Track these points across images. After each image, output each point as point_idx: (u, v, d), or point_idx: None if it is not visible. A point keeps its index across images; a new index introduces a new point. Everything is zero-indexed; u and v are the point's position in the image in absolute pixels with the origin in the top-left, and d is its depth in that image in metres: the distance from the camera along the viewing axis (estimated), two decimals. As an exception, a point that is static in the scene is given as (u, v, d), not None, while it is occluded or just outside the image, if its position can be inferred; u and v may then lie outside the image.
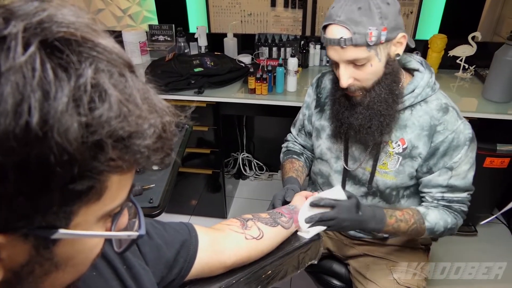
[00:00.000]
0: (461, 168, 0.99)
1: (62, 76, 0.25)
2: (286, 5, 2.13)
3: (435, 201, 1.03)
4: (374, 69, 0.91)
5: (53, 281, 0.34)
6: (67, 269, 0.34)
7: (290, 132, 1.31)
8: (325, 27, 0.90)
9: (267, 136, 2.56)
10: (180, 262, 0.62)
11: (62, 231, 0.30)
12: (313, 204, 0.89)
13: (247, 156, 2.58)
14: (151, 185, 1.17)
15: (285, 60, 1.93)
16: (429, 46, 1.98)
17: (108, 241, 0.50)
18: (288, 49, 2.08)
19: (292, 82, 1.81)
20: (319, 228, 0.89)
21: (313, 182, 1.29)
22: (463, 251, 1.98)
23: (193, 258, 0.64)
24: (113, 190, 0.32)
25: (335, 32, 0.87)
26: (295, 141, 1.29)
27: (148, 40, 2.21)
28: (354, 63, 0.90)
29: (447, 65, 2.05)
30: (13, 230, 0.27)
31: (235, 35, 2.15)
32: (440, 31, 2.07)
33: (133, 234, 0.37)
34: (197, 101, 1.82)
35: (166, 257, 0.60)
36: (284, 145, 1.31)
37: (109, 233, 0.35)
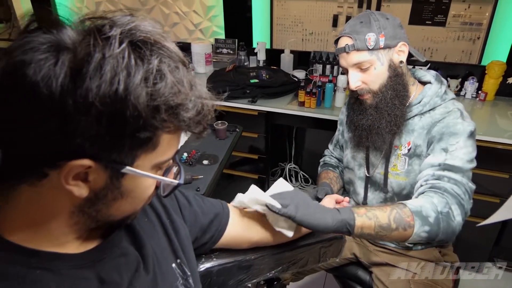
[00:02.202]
0: (458, 153, 0.96)
1: (139, 63, 0.40)
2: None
3: (423, 183, 0.96)
4: (377, 72, 1.03)
5: (118, 206, 0.49)
6: (128, 199, 0.48)
7: (328, 147, 1.43)
8: (336, 42, 1.07)
9: (315, 149, 2.64)
10: (212, 229, 0.76)
11: (128, 168, 0.44)
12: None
13: (294, 167, 2.68)
14: (200, 176, 1.33)
15: (336, 77, 2.02)
16: (486, 72, 1.96)
17: (158, 199, 0.66)
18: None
19: (340, 98, 1.90)
20: (272, 201, 0.78)
21: (347, 192, 1.37)
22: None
23: (223, 229, 0.77)
24: (164, 146, 0.46)
25: (341, 42, 1.04)
26: (331, 155, 1.40)
27: (213, 52, 2.44)
28: (359, 67, 1.03)
29: (506, 92, 2.01)
30: (99, 160, 0.42)
31: (292, 51, 2.30)
32: (510, 59, 2.02)
33: (175, 181, 0.51)
34: (250, 109, 1.98)
35: (201, 222, 0.74)
36: (321, 159, 1.43)
37: (159, 176, 0.49)
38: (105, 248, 0.53)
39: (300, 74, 2.19)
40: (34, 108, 0.38)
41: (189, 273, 0.64)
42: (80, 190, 0.43)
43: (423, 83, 1.13)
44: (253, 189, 0.81)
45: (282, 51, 2.31)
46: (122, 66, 0.39)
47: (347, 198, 1.13)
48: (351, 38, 1.01)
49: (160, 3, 2.59)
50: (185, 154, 1.47)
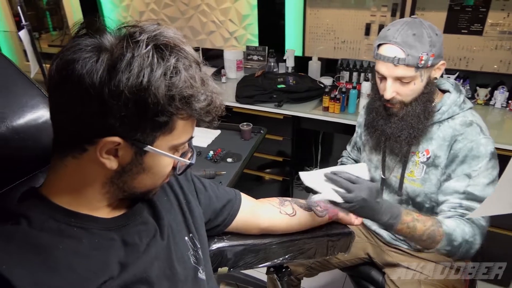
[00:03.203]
0: (480, 179, 1.02)
1: (160, 61, 0.51)
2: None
3: (452, 210, 1.05)
4: (416, 88, 1.05)
5: (140, 180, 0.59)
6: (149, 174, 0.58)
7: (346, 149, 1.48)
8: (379, 45, 1.06)
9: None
10: (224, 213, 0.85)
11: (149, 147, 0.54)
12: (334, 174, 0.95)
13: (320, 172, 2.72)
14: (223, 172, 1.43)
15: (360, 84, 2.07)
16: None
17: (177, 182, 0.76)
18: (370, 75, 2.21)
19: (363, 104, 1.94)
20: (333, 195, 0.92)
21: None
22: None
23: (235, 214, 0.86)
24: (179, 130, 0.55)
25: (390, 51, 1.02)
26: (349, 157, 1.45)
27: (244, 59, 2.55)
28: (400, 80, 1.04)
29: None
30: (127, 138, 0.52)
31: (320, 59, 2.37)
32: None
33: (187, 161, 0.61)
34: (276, 113, 2.07)
35: (214, 206, 0.83)
36: (339, 160, 1.48)
37: (175, 156, 0.58)
38: (130, 216, 0.63)
39: (327, 81, 2.25)
40: (79, 95, 0.49)
41: (199, 246, 0.73)
42: (111, 163, 0.54)
43: (442, 91, 1.16)
44: (364, 166, 0.97)
45: (310, 58, 2.39)
46: (147, 63, 0.49)
47: None
48: (403, 51, 0.99)
49: (198, 12, 2.74)
50: (211, 152, 1.57)
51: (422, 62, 1.00)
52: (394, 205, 1.01)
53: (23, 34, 2.16)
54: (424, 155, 1.13)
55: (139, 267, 0.59)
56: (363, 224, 1.40)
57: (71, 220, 0.56)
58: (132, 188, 0.60)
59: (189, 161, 0.62)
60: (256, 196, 0.97)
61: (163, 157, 0.57)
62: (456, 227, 1.00)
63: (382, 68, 1.05)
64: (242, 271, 1.73)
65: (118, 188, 0.59)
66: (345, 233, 1.04)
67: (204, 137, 1.73)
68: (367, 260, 1.39)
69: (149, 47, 0.50)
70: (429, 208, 1.17)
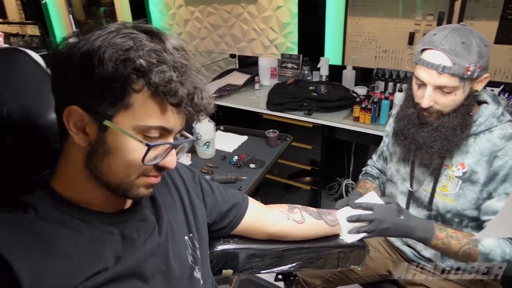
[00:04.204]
0: None
1: (124, 36, 0.53)
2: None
3: None
4: (456, 98, 1.00)
5: (108, 164, 0.56)
6: (115, 158, 0.55)
7: (372, 158, 1.44)
8: (423, 50, 1.00)
9: (375, 167, 2.60)
10: (230, 216, 0.86)
11: (107, 121, 0.53)
12: (353, 207, 1.00)
13: (352, 184, 2.66)
14: (244, 177, 1.45)
15: (393, 94, 2.01)
16: None
17: (183, 184, 0.78)
18: (404, 85, 2.14)
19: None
20: (361, 235, 0.99)
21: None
22: None
23: (241, 217, 0.87)
24: (139, 108, 0.53)
25: (436, 57, 0.96)
26: (374, 166, 1.40)
27: (279, 67, 2.57)
28: (441, 89, 0.99)
29: None
30: (87, 109, 0.53)
31: (355, 68, 2.33)
32: None
33: (143, 142, 0.55)
34: (305, 121, 2.06)
35: (220, 208, 0.85)
36: (363, 168, 1.44)
37: (131, 134, 0.54)
38: (129, 212, 0.66)
39: (361, 90, 2.21)
40: (55, 68, 0.57)
41: (197, 246, 0.75)
42: (79, 139, 0.56)
43: (479, 102, 1.10)
44: (373, 194, 1.01)
45: (345, 67, 2.35)
46: (107, 32, 0.53)
47: None
48: (449, 59, 0.94)
49: (240, 20, 2.81)
50: (236, 157, 1.60)
51: (469, 73, 0.94)
52: (425, 220, 0.99)
53: (73, 39, 2.33)
54: (459, 169, 1.07)
55: (132, 261, 0.62)
56: (385, 239, 1.36)
57: (74, 213, 0.60)
58: (103, 175, 0.58)
59: (147, 143, 0.55)
60: (282, 203, 0.98)
61: (127, 139, 0.55)
62: (496, 247, 0.97)
63: (424, 74, 1.00)
64: (259, 276, 1.73)
65: (93, 175, 0.59)
66: (359, 246, 1.01)
67: (230, 142, 1.76)
68: (388, 277, 1.34)
69: (121, 26, 0.55)
70: (458, 223, 1.11)
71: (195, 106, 0.57)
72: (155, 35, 0.56)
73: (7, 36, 3.86)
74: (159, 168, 0.60)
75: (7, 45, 1.99)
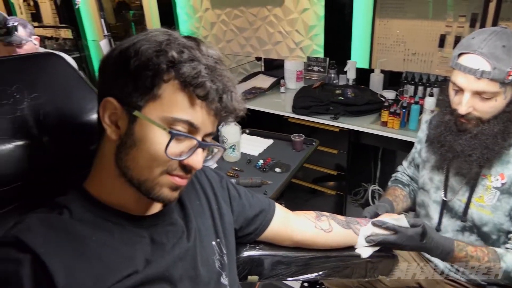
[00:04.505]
0: None
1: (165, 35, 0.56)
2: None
3: None
4: (497, 105, 0.96)
5: (133, 156, 0.57)
6: (140, 151, 0.56)
7: (402, 164, 1.39)
8: (460, 54, 0.96)
9: (402, 173, 2.53)
10: (257, 222, 0.86)
11: (137, 112, 0.55)
12: (376, 225, 0.93)
13: (378, 189, 2.60)
14: (269, 182, 1.44)
15: (423, 99, 1.95)
16: None
17: (211, 188, 0.78)
18: (435, 90, 2.07)
19: (426, 119, 1.82)
20: (375, 248, 0.94)
21: (417, 215, 1.32)
22: None
23: (267, 223, 0.87)
24: (167, 99, 0.54)
25: (474, 62, 0.92)
26: (404, 172, 1.36)
27: (305, 70, 2.55)
28: (480, 94, 0.95)
29: None
30: (120, 99, 0.56)
31: (383, 71, 2.28)
32: None
33: (167, 128, 0.55)
34: (331, 125, 2.03)
35: (247, 214, 0.84)
36: (393, 174, 1.40)
37: (159, 123, 0.55)
38: (159, 216, 0.67)
39: (389, 95, 2.15)
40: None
41: (225, 252, 0.75)
42: (111, 132, 0.58)
43: None
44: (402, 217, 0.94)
45: (372, 70, 2.31)
46: (151, 34, 0.57)
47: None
48: (489, 63, 0.90)
49: (266, 23, 2.81)
50: (261, 161, 1.60)
51: (510, 77, 0.90)
52: (446, 241, 0.95)
53: (103, 43, 2.41)
54: (498, 179, 1.02)
55: (161, 265, 0.62)
56: (415, 249, 1.31)
57: (106, 215, 0.61)
58: (128, 169, 0.58)
59: (171, 132, 0.55)
60: (307, 207, 0.96)
61: (153, 130, 0.55)
62: None
63: (461, 79, 0.96)
64: (284, 282, 1.72)
65: (121, 172, 0.59)
66: (388, 256, 0.98)
67: (256, 145, 1.76)
68: (416, 288, 1.29)
69: (163, 30, 0.58)
70: (496, 240, 1.06)
71: (224, 105, 0.57)
72: (194, 39, 0.58)
73: (42, 39, 4.02)
74: (184, 168, 0.59)
75: (42, 48, 2.06)
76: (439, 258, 0.97)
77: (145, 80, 0.54)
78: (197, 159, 0.59)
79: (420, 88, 2.12)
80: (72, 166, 0.70)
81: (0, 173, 0.65)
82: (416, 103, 1.83)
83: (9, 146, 0.66)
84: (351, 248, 0.96)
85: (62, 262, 0.52)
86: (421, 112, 1.87)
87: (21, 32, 1.74)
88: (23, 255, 0.51)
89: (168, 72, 0.54)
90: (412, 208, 1.36)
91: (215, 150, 0.68)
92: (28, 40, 1.73)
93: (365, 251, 0.93)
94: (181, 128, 0.56)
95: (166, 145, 0.55)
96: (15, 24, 1.66)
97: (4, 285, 0.49)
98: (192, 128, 0.57)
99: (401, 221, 0.92)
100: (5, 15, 1.66)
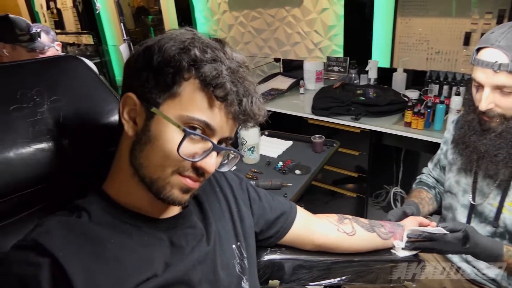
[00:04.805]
0: None
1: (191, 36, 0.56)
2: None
3: None
4: None
5: (147, 153, 0.56)
6: (155, 148, 0.55)
7: (427, 166, 1.34)
8: (479, 49, 0.94)
9: (426, 175, 2.46)
10: (277, 225, 0.83)
11: (155, 108, 0.54)
12: (414, 235, 0.91)
13: (400, 192, 2.53)
14: (289, 184, 1.41)
15: (449, 98, 1.88)
16: None
17: (231, 191, 0.76)
18: (462, 88, 2.00)
19: (452, 119, 1.75)
20: (415, 252, 0.93)
21: (443, 219, 1.27)
22: None
23: (288, 226, 0.84)
24: (186, 98, 0.54)
25: (491, 55, 0.90)
26: (429, 174, 1.31)
27: (324, 70, 2.51)
28: (500, 89, 0.91)
29: None
30: (139, 95, 0.56)
31: (406, 70, 2.22)
32: None
33: (182, 126, 0.54)
34: (353, 126, 1.98)
35: (268, 217, 0.82)
36: (418, 177, 1.35)
37: (177, 122, 0.54)
38: (178, 219, 0.66)
39: (413, 94, 2.09)
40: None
41: (245, 255, 0.73)
42: (129, 128, 0.57)
43: None
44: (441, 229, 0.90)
45: (396, 70, 2.25)
46: (177, 34, 0.57)
47: (433, 223, 1.06)
48: (506, 55, 0.87)
49: (284, 24, 2.79)
50: (280, 163, 1.57)
51: None
52: (494, 245, 0.91)
53: (123, 47, 2.44)
54: None
55: (181, 268, 0.60)
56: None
57: (124, 217, 0.60)
58: (141, 166, 0.57)
59: (185, 131, 0.54)
60: (327, 210, 0.94)
61: (169, 128, 0.54)
62: None
63: (480, 74, 0.93)
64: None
65: (135, 171, 0.58)
66: (414, 261, 0.94)
67: (275, 147, 1.73)
68: (444, 295, 1.24)
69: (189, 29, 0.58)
70: None
71: (243, 109, 0.55)
72: (219, 41, 0.57)
73: (65, 46, 4.13)
74: (197, 170, 0.57)
75: (64, 54, 2.10)
76: (486, 261, 0.94)
77: (166, 77, 0.54)
78: (210, 162, 0.57)
79: (445, 87, 2.05)
80: (91, 169, 0.70)
81: (22, 176, 0.66)
82: (442, 102, 1.77)
83: (30, 149, 0.66)
84: (375, 252, 0.93)
85: (81, 266, 0.52)
86: (446, 112, 1.81)
87: (44, 39, 1.78)
88: (42, 258, 0.51)
89: (189, 71, 0.54)
90: (438, 212, 1.30)
91: (231, 155, 0.66)
92: (50, 46, 1.76)
93: (403, 252, 0.92)
94: (196, 127, 0.55)
95: (179, 144, 0.54)
96: (38, 30, 1.69)
97: None
98: (209, 130, 0.56)
99: (437, 230, 0.90)
100: (29, 22, 1.69)
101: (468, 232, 0.89)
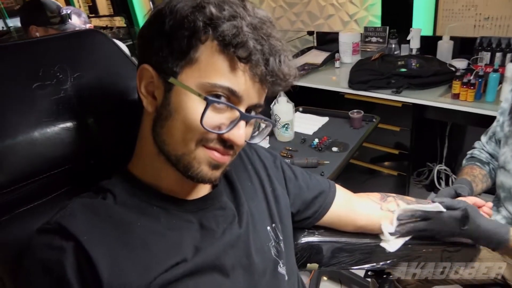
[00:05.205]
0: None
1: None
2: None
3: None
4: None
5: (169, 128, 0.51)
6: (176, 121, 0.50)
7: (480, 139, 1.22)
8: None
9: (474, 151, 2.29)
10: (316, 205, 0.77)
11: (173, 78, 0.49)
12: (405, 216, 0.81)
13: (445, 169, 2.38)
14: (326, 162, 1.34)
15: (504, 67, 1.70)
16: None
17: (264, 169, 0.71)
18: (515, 55, 1.81)
19: (506, 91, 1.58)
20: (404, 239, 0.81)
21: (497, 197, 1.15)
22: None
23: (327, 206, 0.78)
24: (205, 63, 0.48)
25: None
26: (482, 149, 1.19)
27: (361, 41, 2.37)
28: None
29: None
30: (155, 66, 0.51)
31: (452, 38, 2.03)
32: None
33: (203, 94, 0.49)
34: (393, 100, 1.86)
35: (305, 196, 0.76)
36: (469, 152, 1.23)
37: (197, 91, 0.49)
38: (208, 199, 0.61)
39: (460, 64, 1.92)
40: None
41: (281, 238, 0.68)
42: (148, 104, 0.53)
43: None
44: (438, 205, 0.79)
45: (441, 38, 2.07)
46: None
47: (489, 204, 0.95)
48: None
49: (317, -5, 2.65)
50: (316, 140, 1.50)
51: None
52: (498, 229, 0.78)
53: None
54: None
55: (212, 253, 0.56)
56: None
57: (151, 199, 0.56)
58: (164, 144, 0.53)
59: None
60: (367, 191, 0.87)
61: (189, 98, 0.49)
62: None
63: None
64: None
65: (157, 145, 0.54)
66: (467, 244, 0.85)
67: (310, 123, 1.66)
68: (500, 282, 1.13)
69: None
70: None
71: (271, 69, 0.48)
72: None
73: (98, 29, 4.18)
74: (224, 142, 0.52)
75: (87, 28, 2.11)
76: (488, 247, 0.82)
77: (180, 42, 0.48)
78: (238, 134, 0.51)
79: (498, 54, 1.85)
80: (118, 148, 0.67)
81: (49, 156, 0.63)
82: (495, 71, 1.60)
83: (55, 128, 0.63)
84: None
85: (106, 251, 0.48)
86: (500, 82, 1.64)
87: (75, 21, 1.78)
88: (66, 242, 0.48)
89: (205, 31, 0.47)
90: (491, 191, 1.19)
91: (262, 125, 0.60)
92: (82, 28, 1.76)
93: (392, 244, 0.81)
94: (220, 94, 0.49)
95: (202, 114, 0.48)
96: (68, 12, 1.69)
97: (48, 274, 0.47)
98: (234, 97, 0.50)
99: (433, 207, 0.78)
100: (59, 4, 1.69)
101: (468, 212, 0.77)
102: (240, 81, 0.49)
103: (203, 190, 0.62)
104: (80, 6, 4.87)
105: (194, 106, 0.49)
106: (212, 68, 0.48)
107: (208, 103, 0.48)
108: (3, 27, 4.05)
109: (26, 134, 0.61)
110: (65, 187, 0.66)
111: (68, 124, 0.65)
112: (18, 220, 0.61)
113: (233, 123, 0.51)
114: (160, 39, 0.49)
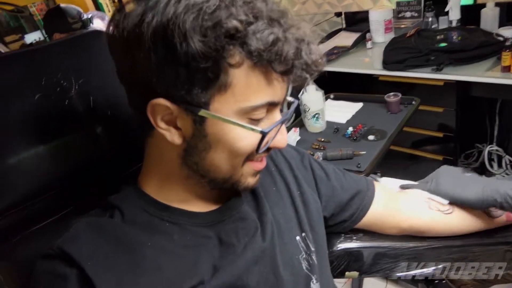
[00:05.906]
0: None
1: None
2: None
3: None
4: None
5: (211, 159, 0.47)
6: (218, 150, 0.46)
7: None
8: None
9: (529, 128, 2.07)
10: (352, 207, 0.69)
11: (204, 110, 0.43)
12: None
13: (497, 150, 2.18)
14: (362, 152, 1.24)
15: None
16: None
17: (290, 169, 0.63)
18: None
19: None
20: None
21: None
22: None
23: (366, 208, 0.69)
24: (241, 86, 0.42)
25: None
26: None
27: (394, 18, 2.20)
28: None
29: None
30: (172, 99, 0.42)
31: (498, 4, 1.83)
32: None
33: (257, 128, 0.45)
34: (434, 79, 1.70)
35: (339, 198, 0.68)
36: None
37: (239, 121, 0.44)
38: (225, 210, 0.55)
39: (509, 32, 1.72)
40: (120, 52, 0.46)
41: (313, 249, 0.60)
42: (172, 136, 0.46)
43: None
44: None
45: (484, 5, 1.87)
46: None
47: None
48: None
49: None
50: (350, 129, 1.40)
51: None
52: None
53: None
54: None
55: (233, 272, 0.50)
56: None
57: (163, 214, 0.51)
58: (209, 172, 0.49)
59: (260, 129, 0.45)
60: (409, 180, 0.80)
61: (232, 128, 0.44)
62: None
63: None
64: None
65: (194, 172, 0.50)
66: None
67: (343, 111, 1.55)
68: None
69: None
70: None
71: (304, 64, 0.42)
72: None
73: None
74: (267, 149, 0.50)
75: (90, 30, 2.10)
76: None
77: (205, 72, 0.40)
78: (282, 138, 0.50)
79: (555, 17, 1.65)
80: (128, 160, 0.62)
81: (57, 170, 0.60)
82: (554, 35, 1.41)
83: (61, 141, 0.60)
84: (480, 233, 0.74)
85: (112, 277, 0.44)
86: (560, 48, 1.44)
87: (99, 24, 1.78)
88: (69, 269, 0.44)
89: (234, 53, 0.40)
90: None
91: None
92: (105, 31, 1.75)
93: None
94: (261, 113, 0.45)
95: (258, 145, 0.46)
96: (89, 16, 1.68)
97: None
98: (271, 107, 0.46)
99: None
100: (79, 9, 1.69)
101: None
102: (277, 90, 0.45)
103: (220, 199, 0.56)
104: (109, 11, 4.96)
105: (239, 136, 0.45)
106: (248, 89, 0.43)
107: (264, 136, 0.46)
108: (40, 37, 4.20)
109: (32, 150, 0.57)
110: (77, 201, 0.62)
111: (75, 135, 0.61)
112: (29, 240, 0.58)
113: (276, 130, 0.49)
114: (175, 70, 0.41)
